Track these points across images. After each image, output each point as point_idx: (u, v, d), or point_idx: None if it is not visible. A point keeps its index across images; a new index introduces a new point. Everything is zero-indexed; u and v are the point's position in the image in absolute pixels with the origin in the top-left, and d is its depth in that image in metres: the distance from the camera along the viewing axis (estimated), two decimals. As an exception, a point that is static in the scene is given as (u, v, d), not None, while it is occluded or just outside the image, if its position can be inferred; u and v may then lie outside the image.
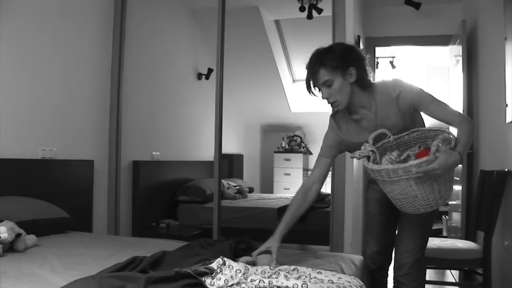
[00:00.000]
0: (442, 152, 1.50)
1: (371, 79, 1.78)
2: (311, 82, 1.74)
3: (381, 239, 2.03)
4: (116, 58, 3.41)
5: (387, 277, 2.08)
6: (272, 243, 1.80)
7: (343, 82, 1.69)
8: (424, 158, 1.51)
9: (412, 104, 1.73)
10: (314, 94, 1.77)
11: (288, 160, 6.25)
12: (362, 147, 1.68)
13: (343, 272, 1.77)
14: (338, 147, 1.90)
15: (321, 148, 1.95)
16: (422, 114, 1.83)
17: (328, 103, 1.77)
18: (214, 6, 3.22)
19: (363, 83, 1.73)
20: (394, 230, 2.00)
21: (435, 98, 1.71)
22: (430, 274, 3.35)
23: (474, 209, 2.79)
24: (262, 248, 1.78)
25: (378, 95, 1.76)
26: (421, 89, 1.75)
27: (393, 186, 1.60)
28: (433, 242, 2.61)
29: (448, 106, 1.72)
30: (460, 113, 1.72)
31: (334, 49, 1.72)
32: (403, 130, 1.75)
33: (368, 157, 1.67)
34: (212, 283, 1.42)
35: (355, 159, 1.89)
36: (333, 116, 1.93)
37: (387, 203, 1.91)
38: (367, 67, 1.75)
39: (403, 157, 1.68)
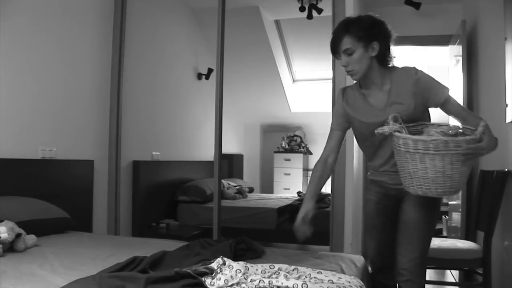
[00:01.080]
0: (487, 134, 1.55)
1: (392, 59, 1.82)
2: (336, 45, 1.78)
3: (379, 241, 1.99)
4: (116, 58, 3.42)
5: (392, 280, 1.98)
6: (307, 210, 1.83)
7: (363, 54, 1.72)
8: (474, 136, 1.53)
9: (429, 94, 1.72)
10: (338, 58, 1.80)
11: (288, 160, 6.25)
12: (386, 125, 1.66)
13: (343, 272, 1.77)
14: (345, 120, 1.91)
15: (332, 122, 1.97)
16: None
17: (345, 70, 1.80)
18: (214, 6, 3.22)
19: (383, 59, 1.77)
20: (393, 232, 1.93)
21: (448, 93, 1.73)
22: (430, 274, 3.35)
23: (474, 209, 2.79)
24: (299, 219, 1.81)
25: (397, 75, 1.77)
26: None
27: (435, 162, 1.56)
28: (433, 242, 2.60)
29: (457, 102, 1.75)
30: (470, 111, 1.74)
31: (362, 20, 1.75)
32: (411, 119, 1.73)
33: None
34: (212, 283, 1.42)
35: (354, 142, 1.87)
36: (344, 89, 1.94)
37: (385, 205, 1.92)
38: (391, 46, 1.78)
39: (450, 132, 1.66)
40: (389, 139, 1.73)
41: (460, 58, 3.57)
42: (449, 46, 4.10)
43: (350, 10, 2.91)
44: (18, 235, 1.96)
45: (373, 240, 2.03)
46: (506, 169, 2.45)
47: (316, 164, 1.96)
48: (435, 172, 1.58)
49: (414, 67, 1.78)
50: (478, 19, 3.44)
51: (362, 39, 1.71)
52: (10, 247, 1.93)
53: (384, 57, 1.77)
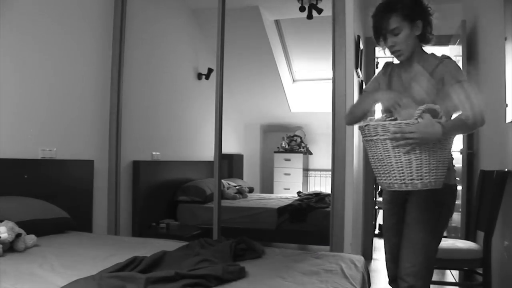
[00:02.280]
0: (424, 118, 1.50)
1: (433, 37, 1.80)
2: (380, 27, 1.76)
3: (393, 245, 1.87)
4: (116, 58, 3.42)
5: None
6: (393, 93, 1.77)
7: (410, 33, 1.72)
8: (404, 121, 1.49)
9: (445, 76, 1.67)
10: (379, 44, 1.81)
11: (288, 160, 6.26)
12: (368, 119, 1.68)
13: (343, 272, 1.77)
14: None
15: (367, 86, 1.98)
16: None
17: (391, 51, 1.80)
18: (214, 6, 3.23)
19: (425, 38, 1.76)
20: (397, 239, 1.86)
21: (468, 82, 1.65)
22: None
23: (474, 209, 2.79)
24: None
25: (427, 57, 1.77)
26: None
27: (373, 149, 1.57)
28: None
29: (470, 88, 1.64)
30: (475, 106, 1.57)
31: (403, 0, 1.72)
32: (426, 100, 1.69)
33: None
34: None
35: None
36: (388, 63, 1.96)
37: (396, 204, 1.85)
38: (432, 23, 1.76)
39: (390, 119, 1.64)
40: None
41: (460, 58, 3.57)
42: (449, 46, 4.10)
43: (350, 10, 2.91)
44: (18, 235, 1.96)
45: (387, 244, 1.94)
46: (506, 169, 2.45)
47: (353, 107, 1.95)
48: (378, 161, 1.56)
49: (447, 55, 1.77)
50: (478, 19, 3.44)
51: (407, 17, 1.70)
52: (10, 247, 1.93)
53: (425, 35, 1.76)
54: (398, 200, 1.86)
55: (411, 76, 1.78)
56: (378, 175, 1.62)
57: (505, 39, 2.49)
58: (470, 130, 1.63)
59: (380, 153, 1.54)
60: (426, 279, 1.74)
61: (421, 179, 1.53)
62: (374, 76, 2.00)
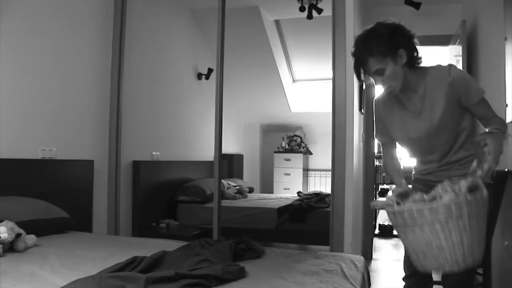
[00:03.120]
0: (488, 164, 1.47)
1: (421, 57, 1.72)
2: (360, 69, 1.66)
3: None
4: (116, 58, 3.42)
5: (421, 286, 1.88)
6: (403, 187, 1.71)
7: (394, 67, 1.62)
8: (453, 197, 1.36)
9: (461, 95, 1.63)
10: (364, 81, 1.72)
11: (288, 160, 6.26)
12: (387, 197, 1.60)
13: (343, 272, 1.77)
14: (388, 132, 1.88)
15: (378, 137, 1.94)
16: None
17: (383, 88, 1.75)
18: (214, 6, 3.23)
19: (414, 62, 1.67)
20: None
21: (484, 98, 1.66)
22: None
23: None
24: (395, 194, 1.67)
25: (430, 78, 1.68)
26: (475, 81, 1.70)
27: (416, 234, 1.40)
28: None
29: (489, 105, 1.67)
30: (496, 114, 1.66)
31: (379, 33, 1.62)
32: (448, 124, 1.67)
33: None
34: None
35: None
36: (377, 101, 1.89)
37: None
38: (416, 45, 1.68)
39: (428, 197, 1.47)
40: (432, 140, 1.71)
41: (460, 58, 3.57)
42: (449, 46, 4.10)
43: (350, 10, 2.91)
44: (18, 235, 1.96)
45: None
46: (506, 169, 2.45)
47: (385, 163, 1.90)
48: (424, 245, 1.40)
49: (449, 66, 1.68)
50: (478, 19, 3.44)
51: (387, 54, 1.60)
52: (10, 247, 1.93)
53: (413, 59, 1.67)
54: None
55: (424, 104, 1.70)
56: (423, 259, 1.46)
57: (505, 39, 2.49)
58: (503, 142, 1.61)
59: (427, 236, 1.40)
60: (470, 276, 1.76)
61: (472, 255, 1.42)
62: (375, 118, 1.91)
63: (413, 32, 1.69)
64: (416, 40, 1.69)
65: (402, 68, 1.64)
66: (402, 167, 1.89)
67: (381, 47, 1.59)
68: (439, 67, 1.71)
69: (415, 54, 1.67)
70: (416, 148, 1.82)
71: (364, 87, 4.17)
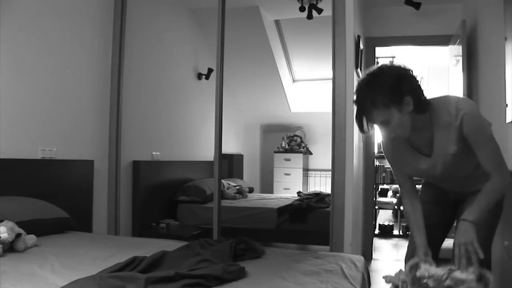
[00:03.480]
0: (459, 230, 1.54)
1: (427, 101, 1.60)
2: (363, 119, 1.56)
3: (429, 241, 1.81)
4: (116, 58, 3.42)
5: None
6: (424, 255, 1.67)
7: (401, 116, 1.51)
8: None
9: (469, 137, 1.56)
10: (367, 133, 1.61)
11: (288, 160, 6.26)
12: (396, 273, 1.53)
13: (343, 272, 1.77)
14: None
15: (394, 174, 1.88)
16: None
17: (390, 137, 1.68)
18: (214, 6, 3.23)
19: (421, 107, 1.55)
20: (444, 235, 1.90)
21: (492, 138, 1.58)
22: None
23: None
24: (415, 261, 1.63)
25: (438, 117, 1.59)
26: (484, 119, 1.59)
27: None
28: (433, 242, 2.60)
29: (496, 151, 1.60)
30: (502, 165, 1.60)
31: (382, 82, 1.50)
32: (458, 162, 1.63)
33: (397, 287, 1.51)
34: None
35: None
36: (384, 143, 1.83)
37: (445, 205, 1.83)
38: (423, 89, 1.57)
39: (444, 276, 1.46)
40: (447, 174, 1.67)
41: (460, 58, 3.57)
42: (449, 46, 4.10)
43: (350, 10, 2.91)
44: (18, 235, 1.96)
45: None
46: (506, 169, 2.44)
47: (406, 212, 1.81)
48: None
49: (456, 102, 1.57)
50: (478, 19, 3.44)
51: (392, 103, 1.48)
52: (10, 247, 1.93)
53: (420, 105, 1.54)
54: (445, 202, 1.84)
55: (434, 146, 1.65)
56: None
57: (505, 39, 2.49)
58: (500, 194, 1.60)
59: None
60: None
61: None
62: (387, 160, 1.83)
63: (419, 76, 1.59)
64: (420, 82, 1.59)
65: (409, 115, 1.53)
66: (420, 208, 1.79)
67: (385, 97, 1.49)
68: (445, 103, 1.59)
69: (422, 98, 1.55)
70: (432, 179, 1.81)
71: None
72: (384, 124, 1.54)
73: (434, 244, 1.86)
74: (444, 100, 1.60)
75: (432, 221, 1.89)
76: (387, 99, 1.48)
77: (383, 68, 1.56)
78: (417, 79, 1.57)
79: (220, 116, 3.18)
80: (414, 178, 1.86)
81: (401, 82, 1.51)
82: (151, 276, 1.48)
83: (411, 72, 1.56)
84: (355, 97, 1.58)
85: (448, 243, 2.61)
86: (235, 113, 6.33)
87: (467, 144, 1.60)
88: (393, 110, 1.49)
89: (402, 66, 1.57)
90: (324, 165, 6.26)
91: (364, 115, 1.55)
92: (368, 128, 1.58)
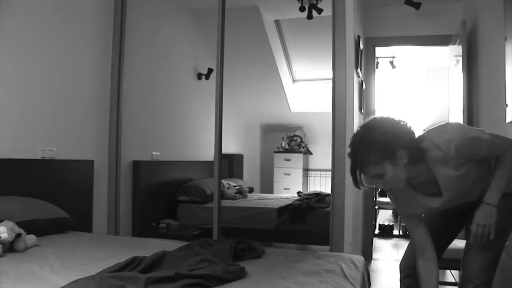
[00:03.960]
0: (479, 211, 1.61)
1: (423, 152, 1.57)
2: (357, 173, 1.56)
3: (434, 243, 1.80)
4: (116, 58, 3.42)
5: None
6: None
7: (394, 169, 1.51)
8: None
9: (472, 155, 1.56)
10: (361, 187, 1.60)
11: (288, 160, 6.26)
12: None
13: (343, 272, 1.77)
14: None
15: (401, 214, 1.85)
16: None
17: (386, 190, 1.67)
18: (214, 6, 3.22)
19: (416, 159, 1.54)
20: (449, 239, 1.91)
21: (492, 138, 1.58)
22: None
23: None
24: None
25: (434, 161, 1.57)
26: (474, 132, 1.60)
27: None
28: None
29: (498, 139, 1.61)
30: (506, 143, 1.61)
31: (374, 139, 1.51)
32: (471, 188, 1.64)
33: None
34: None
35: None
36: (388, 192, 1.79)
37: (452, 209, 1.80)
38: (418, 141, 1.56)
39: None
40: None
41: (460, 58, 3.57)
42: (449, 46, 4.10)
43: (350, 10, 2.91)
44: (18, 235, 1.96)
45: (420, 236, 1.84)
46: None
47: (418, 271, 1.74)
48: None
49: (439, 135, 1.56)
50: (478, 19, 3.45)
51: (385, 159, 1.49)
52: (10, 247, 1.93)
53: (414, 157, 1.52)
54: (455, 209, 1.81)
55: (437, 187, 1.63)
56: None
57: (505, 39, 2.49)
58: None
59: None
60: (491, 278, 1.76)
61: None
62: (394, 204, 1.81)
63: (412, 129, 1.56)
64: (412, 134, 1.56)
65: (404, 167, 1.52)
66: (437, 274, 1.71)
67: (377, 154, 1.49)
68: (435, 140, 1.56)
69: (416, 150, 1.53)
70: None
71: (364, 87, 4.17)
72: (378, 177, 1.53)
73: (438, 248, 1.84)
74: (429, 138, 1.58)
75: (437, 224, 1.89)
76: (380, 155, 1.49)
77: (377, 121, 1.57)
78: (411, 130, 1.56)
79: (220, 116, 3.18)
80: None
81: (394, 137, 1.50)
82: (151, 276, 1.48)
83: (405, 125, 1.56)
84: (349, 149, 1.58)
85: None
86: (235, 113, 6.33)
87: (471, 169, 1.60)
88: (386, 165, 1.50)
89: (397, 119, 1.56)
90: (324, 165, 6.26)
91: (358, 169, 1.55)
92: (362, 182, 1.57)
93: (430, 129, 1.63)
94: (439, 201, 1.66)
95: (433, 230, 1.81)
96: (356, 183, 1.58)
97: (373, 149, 1.49)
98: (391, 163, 1.50)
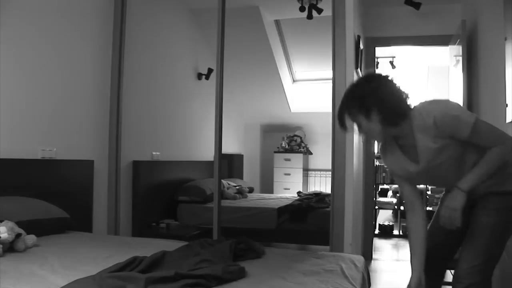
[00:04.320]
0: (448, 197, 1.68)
1: (408, 105, 1.66)
2: (343, 117, 1.71)
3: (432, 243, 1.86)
4: (116, 58, 3.42)
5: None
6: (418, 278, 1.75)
7: (368, 124, 1.65)
8: None
9: (451, 131, 1.60)
10: (346, 130, 1.75)
11: (288, 160, 6.26)
12: None
13: (343, 272, 1.77)
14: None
15: (392, 174, 1.93)
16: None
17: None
18: (214, 6, 3.22)
19: (389, 122, 1.64)
20: (452, 239, 1.87)
21: (478, 123, 1.59)
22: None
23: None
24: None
25: (416, 128, 1.65)
26: (461, 110, 1.64)
27: None
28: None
29: (490, 130, 1.63)
30: (501, 137, 1.63)
31: (354, 92, 1.67)
32: (448, 160, 1.66)
33: None
34: None
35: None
36: (382, 145, 1.88)
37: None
38: (399, 101, 1.64)
39: None
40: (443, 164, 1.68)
41: (460, 58, 3.57)
42: (449, 46, 4.10)
43: (350, 10, 2.91)
44: (18, 235, 1.96)
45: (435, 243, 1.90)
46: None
47: (407, 224, 1.84)
48: None
49: (427, 105, 1.66)
50: (478, 19, 3.45)
51: (359, 112, 1.65)
52: (10, 247, 1.93)
53: (389, 119, 1.63)
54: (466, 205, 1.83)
55: (418, 152, 1.70)
56: None
57: (505, 39, 2.49)
58: (499, 162, 1.63)
59: None
60: (484, 281, 1.72)
61: None
62: (384, 163, 1.90)
63: (405, 96, 1.66)
64: (399, 95, 1.65)
65: (380, 125, 1.64)
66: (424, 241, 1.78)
67: (353, 107, 1.66)
68: (421, 111, 1.65)
69: (391, 113, 1.62)
70: (418, 181, 1.86)
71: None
72: (358, 126, 1.70)
73: (437, 249, 1.87)
74: (419, 107, 1.67)
75: (440, 239, 1.88)
76: (355, 108, 1.65)
77: (372, 77, 1.72)
78: (402, 97, 1.65)
79: (220, 116, 3.18)
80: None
81: (374, 95, 1.62)
82: (151, 276, 1.48)
83: (397, 89, 1.65)
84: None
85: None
86: (235, 113, 6.33)
87: (451, 146, 1.64)
88: (361, 117, 1.65)
89: (394, 82, 1.67)
90: (324, 165, 6.26)
91: (341, 118, 1.72)
92: (346, 127, 1.73)
93: (427, 100, 1.71)
94: (416, 168, 1.73)
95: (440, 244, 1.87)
96: (342, 125, 1.73)
97: (352, 100, 1.67)
98: (366, 118, 1.64)
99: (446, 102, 1.69)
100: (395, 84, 1.67)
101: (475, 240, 1.70)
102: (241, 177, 6.11)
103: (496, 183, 1.67)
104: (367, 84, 1.67)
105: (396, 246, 4.95)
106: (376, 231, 5.39)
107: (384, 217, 6.40)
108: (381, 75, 1.70)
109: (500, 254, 1.75)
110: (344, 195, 2.87)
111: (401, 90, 1.66)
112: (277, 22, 5.39)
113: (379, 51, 4.79)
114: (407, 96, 1.66)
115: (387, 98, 1.63)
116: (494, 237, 1.69)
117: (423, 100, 1.71)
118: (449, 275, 3.60)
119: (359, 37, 3.45)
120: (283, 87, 5.90)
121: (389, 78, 1.68)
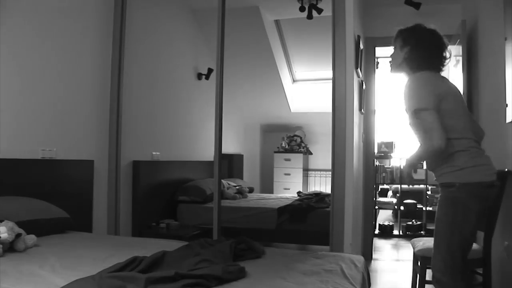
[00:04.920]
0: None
1: (441, 71, 2.07)
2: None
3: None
4: (116, 58, 3.42)
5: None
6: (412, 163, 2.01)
7: (397, 53, 2.05)
8: None
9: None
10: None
11: (288, 160, 6.26)
12: None
13: (343, 272, 1.77)
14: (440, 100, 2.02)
15: (427, 103, 1.93)
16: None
17: None
18: (214, 6, 3.23)
19: (411, 64, 1.99)
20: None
21: (421, 114, 1.84)
22: (429, 274, 3.35)
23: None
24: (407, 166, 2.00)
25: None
26: (417, 95, 1.91)
27: None
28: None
29: (426, 127, 1.84)
30: (426, 139, 1.84)
31: (415, 28, 2.04)
32: (443, 162, 1.92)
33: None
34: None
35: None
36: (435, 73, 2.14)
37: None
38: (425, 61, 1.97)
39: None
40: None
41: (460, 58, 3.57)
42: (449, 46, 4.10)
43: (350, 10, 2.91)
44: (18, 235, 1.97)
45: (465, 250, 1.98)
46: (506, 169, 2.45)
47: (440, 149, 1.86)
48: None
49: (410, 81, 1.96)
50: (478, 19, 3.44)
51: (397, 41, 2.06)
52: (10, 247, 1.93)
53: (411, 61, 2.00)
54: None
55: None
56: None
57: (505, 39, 2.49)
58: (428, 154, 1.88)
59: None
60: (455, 276, 1.80)
61: None
62: (430, 90, 1.98)
63: (446, 49, 2.08)
64: (439, 50, 2.06)
65: (404, 60, 2.01)
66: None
67: (402, 33, 2.06)
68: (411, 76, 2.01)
69: (418, 59, 1.98)
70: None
71: (364, 87, 4.17)
72: (393, 47, 2.10)
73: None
74: (418, 75, 2.00)
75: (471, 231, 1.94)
76: (400, 36, 2.07)
77: (426, 29, 2.06)
78: (432, 54, 2.02)
79: (220, 116, 3.18)
80: None
81: (408, 31, 2.03)
82: (151, 276, 1.48)
83: (433, 47, 2.02)
84: None
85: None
86: (235, 113, 6.32)
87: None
88: (397, 45, 2.07)
89: (436, 39, 2.05)
90: (324, 165, 6.26)
91: (396, 34, 2.11)
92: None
93: (423, 72, 1.97)
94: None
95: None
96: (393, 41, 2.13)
97: (406, 30, 2.06)
98: (399, 48, 2.05)
99: (417, 77, 1.94)
100: (439, 51, 2.04)
101: (435, 235, 1.92)
102: (241, 177, 6.10)
103: (439, 176, 1.93)
104: (424, 32, 2.02)
105: (396, 246, 4.95)
106: (376, 231, 5.39)
107: (384, 217, 6.40)
108: (440, 38, 2.06)
109: (461, 248, 1.83)
110: (344, 195, 2.87)
111: (439, 58, 2.04)
112: (277, 22, 5.39)
113: (379, 51, 4.78)
114: (439, 65, 2.05)
115: (421, 51, 1.97)
116: (446, 229, 1.85)
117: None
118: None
119: (359, 37, 3.45)
120: (283, 87, 5.90)
121: (440, 44, 2.04)
